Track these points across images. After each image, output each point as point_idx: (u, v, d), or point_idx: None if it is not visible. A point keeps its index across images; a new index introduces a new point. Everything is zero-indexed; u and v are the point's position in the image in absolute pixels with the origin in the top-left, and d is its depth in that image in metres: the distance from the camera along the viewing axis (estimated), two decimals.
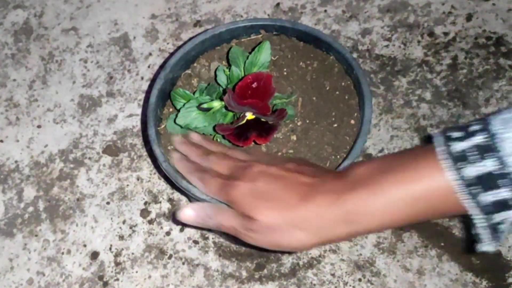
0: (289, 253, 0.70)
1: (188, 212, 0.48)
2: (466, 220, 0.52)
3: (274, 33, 0.61)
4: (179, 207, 0.50)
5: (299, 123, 0.56)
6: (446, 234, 0.71)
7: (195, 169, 0.50)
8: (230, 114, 0.53)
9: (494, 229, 0.38)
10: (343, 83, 0.58)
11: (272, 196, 0.42)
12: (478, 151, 0.37)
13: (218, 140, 0.55)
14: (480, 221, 0.38)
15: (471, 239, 0.43)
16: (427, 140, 0.78)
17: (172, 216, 0.75)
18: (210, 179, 0.48)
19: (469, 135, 0.38)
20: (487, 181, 0.36)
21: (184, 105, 0.54)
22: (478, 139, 0.37)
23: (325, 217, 0.41)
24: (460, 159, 0.37)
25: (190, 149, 0.54)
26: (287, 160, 0.48)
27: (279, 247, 0.43)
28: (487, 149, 0.37)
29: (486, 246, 0.39)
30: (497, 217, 0.37)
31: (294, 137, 0.56)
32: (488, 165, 0.36)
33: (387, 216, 0.40)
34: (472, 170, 0.37)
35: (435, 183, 0.38)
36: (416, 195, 0.39)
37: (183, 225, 0.73)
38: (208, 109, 0.53)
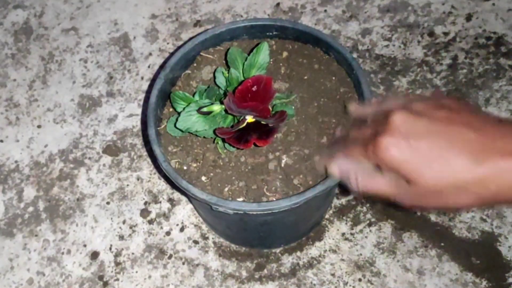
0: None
1: (333, 169, 0.47)
2: None
3: (275, 33, 0.62)
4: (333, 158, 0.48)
5: (298, 123, 0.56)
6: (446, 234, 0.71)
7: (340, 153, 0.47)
8: (230, 117, 0.53)
9: None
10: (343, 83, 0.58)
11: (434, 156, 0.37)
12: None
13: (219, 143, 0.55)
14: None
15: None
16: None
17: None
18: (350, 146, 0.44)
19: None
20: None
21: (184, 108, 0.54)
22: None
23: (500, 181, 0.36)
24: None
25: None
26: (435, 105, 0.40)
27: (443, 208, 0.39)
28: None
29: None
30: None
31: (292, 138, 0.56)
32: None
33: None
34: None
35: None
36: None
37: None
38: (208, 113, 0.53)
